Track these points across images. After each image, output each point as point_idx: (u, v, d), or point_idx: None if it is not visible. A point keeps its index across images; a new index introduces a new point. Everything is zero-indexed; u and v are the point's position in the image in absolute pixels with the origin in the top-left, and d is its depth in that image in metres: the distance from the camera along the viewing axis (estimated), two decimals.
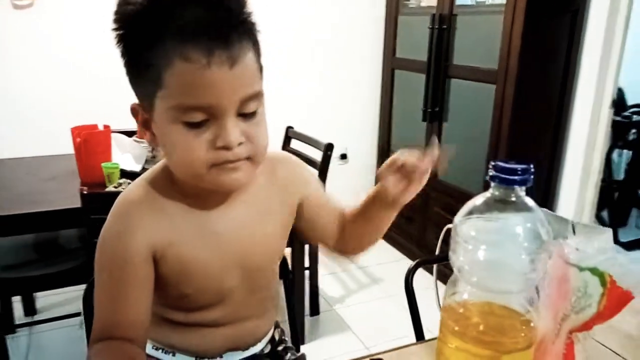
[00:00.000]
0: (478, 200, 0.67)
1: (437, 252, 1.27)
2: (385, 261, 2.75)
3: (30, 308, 2.18)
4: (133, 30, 0.62)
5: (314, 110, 3.01)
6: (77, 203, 1.50)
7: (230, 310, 0.80)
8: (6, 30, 2.32)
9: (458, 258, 0.67)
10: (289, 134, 2.32)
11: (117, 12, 0.62)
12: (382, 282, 2.53)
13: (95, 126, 1.83)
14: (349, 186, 3.23)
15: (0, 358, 1.61)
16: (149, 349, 0.83)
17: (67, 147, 1.80)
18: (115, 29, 0.63)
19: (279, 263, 0.88)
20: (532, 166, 0.62)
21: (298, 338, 1.10)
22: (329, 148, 2.04)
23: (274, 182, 0.81)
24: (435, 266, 1.31)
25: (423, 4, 2.64)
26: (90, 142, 1.71)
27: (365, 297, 2.39)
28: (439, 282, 1.25)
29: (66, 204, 1.55)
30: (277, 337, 0.94)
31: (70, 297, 2.18)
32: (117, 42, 0.63)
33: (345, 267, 2.66)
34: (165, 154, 0.69)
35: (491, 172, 0.63)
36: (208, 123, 0.64)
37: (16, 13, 2.32)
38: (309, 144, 2.17)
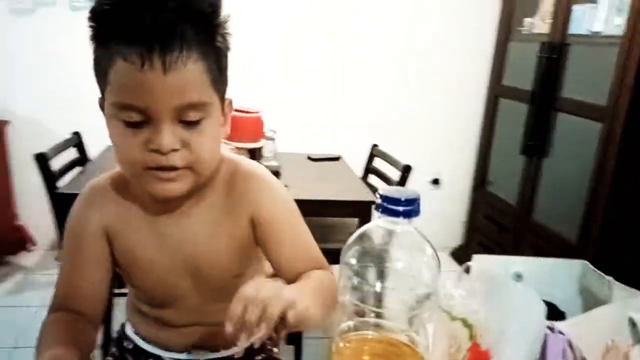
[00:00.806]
0: (368, 227, 0.61)
1: None
2: None
3: (119, 280, 2.42)
4: (96, 28, 0.66)
5: (408, 132, 2.96)
6: None
7: (187, 314, 0.82)
8: None
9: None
10: (373, 152, 2.32)
11: (90, 10, 0.66)
12: None
13: None
14: (440, 213, 3.13)
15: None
16: (130, 331, 0.90)
17: None
18: (89, 26, 0.67)
19: (242, 279, 0.82)
20: (418, 197, 0.57)
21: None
22: (406, 169, 1.99)
23: (230, 195, 0.79)
24: None
25: (535, 31, 2.47)
26: None
27: None
28: None
29: None
30: (257, 344, 0.91)
31: None
32: (90, 40, 0.68)
33: None
34: (114, 153, 0.71)
35: (377, 200, 0.57)
36: (145, 125, 0.65)
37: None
38: (389, 163, 2.15)
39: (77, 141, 2.10)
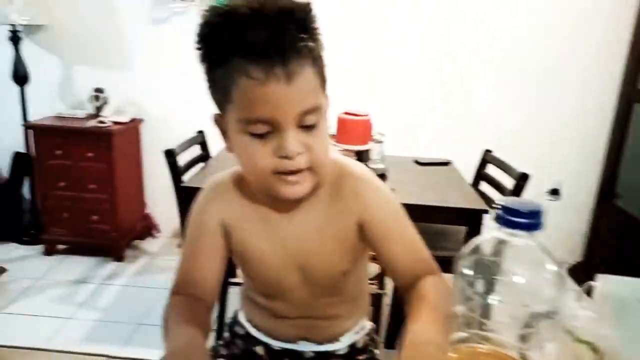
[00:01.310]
0: (484, 237, 0.58)
1: None
2: None
3: (230, 270, 2.57)
4: (209, 50, 0.70)
5: (525, 138, 2.79)
6: None
7: (294, 306, 0.86)
8: None
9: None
10: (486, 158, 2.22)
11: (198, 34, 0.70)
12: None
13: None
14: (558, 226, 2.91)
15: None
16: (243, 318, 0.96)
17: None
18: (198, 49, 0.71)
19: (350, 277, 0.86)
20: (542, 209, 0.52)
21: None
22: (522, 178, 1.88)
23: (339, 197, 0.81)
24: None
25: None
26: None
27: None
28: None
29: None
30: (360, 344, 0.94)
31: None
32: (200, 61, 0.72)
33: None
34: (238, 160, 0.76)
35: (497, 211, 0.54)
36: (271, 134, 0.70)
37: None
38: (503, 171, 2.04)
39: (201, 139, 2.27)
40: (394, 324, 1.74)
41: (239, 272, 0.92)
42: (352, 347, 0.93)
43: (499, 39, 2.70)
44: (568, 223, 2.92)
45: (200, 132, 2.31)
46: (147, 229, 3.05)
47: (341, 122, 2.12)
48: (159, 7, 2.74)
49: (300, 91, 0.67)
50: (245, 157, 0.74)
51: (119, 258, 2.73)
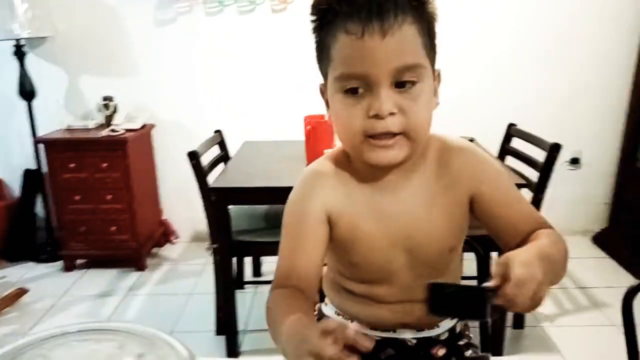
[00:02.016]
0: None
1: None
2: (616, 285, 2.38)
3: (257, 270, 2.56)
4: (318, 16, 0.73)
5: (543, 106, 2.75)
6: None
7: (398, 290, 0.82)
8: (265, 30, 2.73)
9: None
10: (511, 132, 2.18)
11: (312, 6, 0.73)
12: (607, 308, 2.20)
13: (323, 116, 2.02)
14: (580, 195, 2.90)
15: (230, 307, 1.93)
16: (332, 313, 0.92)
17: (299, 134, 2.03)
18: (312, 21, 0.74)
19: (454, 254, 0.85)
20: None
21: (488, 344, 1.05)
22: (554, 149, 1.84)
23: (446, 171, 0.81)
24: None
25: None
26: (317, 130, 1.90)
27: (581, 321, 2.12)
28: None
29: (292, 182, 1.76)
30: (458, 329, 0.92)
31: None
32: (312, 32, 0.75)
33: (562, 284, 2.40)
34: (334, 126, 0.77)
35: None
36: (364, 94, 0.70)
37: (273, 16, 2.71)
38: (532, 143, 2.01)
39: (219, 139, 2.23)
40: None
41: (324, 262, 0.87)
42: (451, 332, 0.91)
43: (511, 9, 2.67)
44: (590, 191, 2.91)
45: (218, 132, 2.27)
46: (165, 235, 3.01)
47: None
48: (163, 9, 2.68)
49: (396, 46, 0.68)
50: (339, 120, 0.75)
51: (141, 267, 2.69)
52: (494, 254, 1.63)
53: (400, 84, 0.70)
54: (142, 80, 2.76)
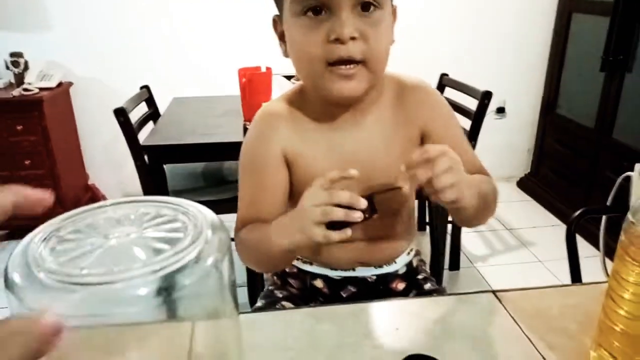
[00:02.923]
0: None
1: (608, 203, 1.14)
2: (540, 225, 2.55)
3: None
4: None
5: (468, 57, 2.82)
6: (240, 137, 1.63)
7: (355, 228, 0.82)
8: None
9: None
10: (443, 82, 2.22)
11: None
12: (533, 246, 2.36)
13: (258, 68, 1.95)
14: (505, 143, 3.04)
15: None
16: None
17: (233, 88, 1.95)
18: None
19: (409, 191, 0.86)
20: None
21: (441, 280, 1.09)
22: (486, 96, 1.91)
23: (401, 109, 0.81)
24: (603, 220, 1.18)
25: None
26: (254, 82, 1.83)
27: (511, 259, 2.27)
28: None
29: (230, 138, 1.70)
30: (414, 264, 0.95)
31: (230, 225, 2.42)
32: None
33: (492, 226, 2.54)
34: (292, 59, 0.74)
35: None
36: (325, 17, 0.68)
37: None
38: (464, 92, 2.06)
39: (146, 95, 2.09)
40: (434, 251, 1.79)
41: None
42: (409, 267, 0.92)
43: None
44: (514, 139, 3.06)
45: (145, 87, 2.13)
46: (93, 200, 2.84)
47: None
48: None
49: None
50: (297, 47, 0.72)
51: None
52: None
53: (364, 6, 0.68)
54: (54, 34, 2.50)
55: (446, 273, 2.11)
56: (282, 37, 0.76)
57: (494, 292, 0.74)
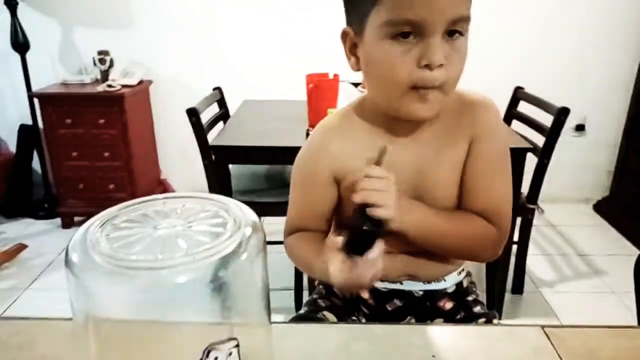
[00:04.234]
0: None
1: None
2: (615, 253, 2.38)
3: None
4: None
5: (549, 71, 2.69)
6: (302, 142, 1.65)
7: (404, 241, 0.80)
8: None
9: None
10: (518, 95, 2.13)
11: None
12: (605, 275, 2.20)
13: (326, 75, 1.97)
14: (583, 163, 2.87)
15: None
16: None
17: (301, 94, 1.98)
18: None
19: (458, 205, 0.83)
20: None
21: (493, 304, 1.04)
22: (562, 113, 1.80)
23: (458, 123, 0.79)
24: None
25: None
26: (320, 88, 1.84)
27: (580, 287, 2.13)
28: None
29: (294, 142, 1.72)
30: (465, 284, 0.91)
31: None
32: None
33: (562, 250, 2.40)
34: (368, 76, 0.74)
35: None
36: (415, 42, 0.66)
37: None
38: (539, 107, 1.96)
39: (219, 96, 2.17)
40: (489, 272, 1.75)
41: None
42: (458, 286, 0.90)
43: None
44: (594, 159, 2.87)
45: (217, 89, 2.21)
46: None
47: None
48: None
49: None
50: (381, 68, 0.71)
51: None
52: None
53: (451, 32, 0.67)
54: (138, 34, 2.67)
55: (508, 296, 2.01)
56: (352, 51, 0.75)
57: (542, 327, 0.69)
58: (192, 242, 0.40)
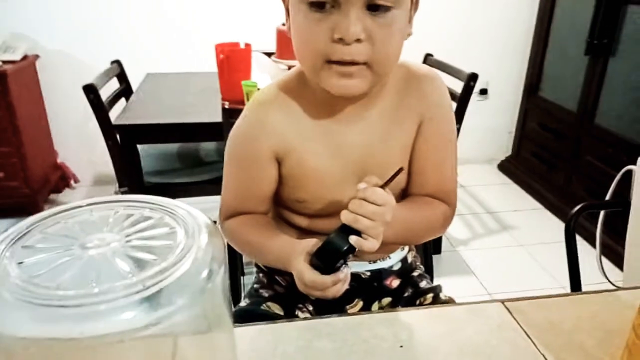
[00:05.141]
0: None
1: (607, 197, 1.11)
2: (520, 208, 2.55)
3: None
4: None
5: (451, 37, 2.76)
6: (217, 117, 1.55)
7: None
8: None
9: None
10: (428, 62, 2.17)
11: None
12: (514, 230, 2.36)
13: (237, 44, 1.86)
14: (487, 125, 3.02)
15: None
16: None
17: (211, 65, 1.86)
18: None
19: (404, 185, 0.81)
20: None
21: (431, 273, 1.05)
22: (472, 78, 1.87)
23: (405, 98, 0.75)
24: (601, 215, 1.15)
25: None
26: (232, 59, 1.74)
27: (492, 243, 2.26)
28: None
29: (208, 118, 1.62)
30: (409, 259, 0.91)
31: (205, 207, 2.34)
32: None
33: (473, 210, 2.53)
34: (293, 43, 0.68)
35: None
36: (332, 11, 0.61)
37: None
38: (448, 74, 2.01)
39: (118, 70, 1.98)
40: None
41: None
42: (403, 262, 0.88)
43: None
44: (496, 121, 3.04)
45: (116, 62, 2.02)
46: (63, 179, 2.73)
47: (281, 35, 1.94)
48: None
49: None
50: (299, 36, 0.66)
51: None
52: None
53: (372, 7, 0.61)
54: (18, 3, 2.35)
55: None
56: (288, 12, 0.69)
57: (502, 301, 0.69)
58: (134, 262, 0.31)
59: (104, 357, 0.30)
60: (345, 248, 0.61)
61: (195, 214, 0.35)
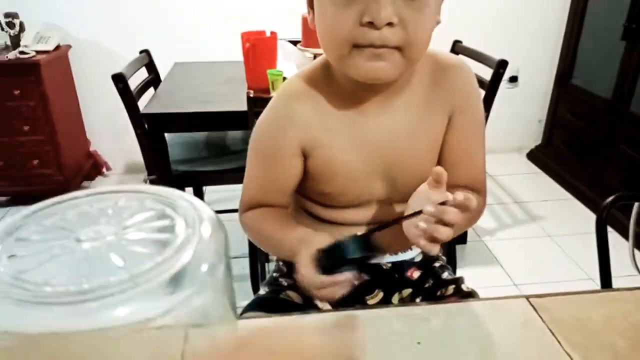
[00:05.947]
0: None
1: None
2: (549, 199, 2.49)
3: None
4: None
5: (481, 23, 2.70)
6: (243, 106, 1.56)
7: (372, 214, 0.78)
8: None
9: None
10: (456, 49, 2.13)
11: None
12: (542, 220, 2.31)
13: (263, 32, 1.86)
14: (516, 113, 2.95)
15: None
16: None
17: (237, 54, 1.87)
18: None
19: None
20: None
21: (454, 264, 1.05)
22: (501, 65, 1.83)
23: (433, 89, 0.73)
24: (635, 207, 1.11)
25: None
26: (258, 48, 1.74)
27: (519, 234, 2.22)
28: None
29: (234, 107, 1.64)
30: (434, 252, 0.90)
31: (231, 195, 2.38)
32: None
33: (500, 199, 2.49)
34: (318, 32, 0.67)
35: None
36: None
37: None
38: (477, 61, 1.97)
39: (147, 60, 2.01)
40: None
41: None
42: (424, 254, 0.88)
43: None
44: (527, 109, 2.97)
45: (145, 52, 2.05)
46: (96, 167, 2.80)
47: (306, 23, 1.94)
48: None
49: None
50: (324, 24, 0.64)
51: None
52: None
53: None
54: None
55: None
56: (310, 4, 0.68)
57: (527, 297, 0.66)
58: (131, 257, 0.29)
59: (99, 353, 0.29)
60: (349, 257, 0.59)
61: (199, 205, 0.34)
